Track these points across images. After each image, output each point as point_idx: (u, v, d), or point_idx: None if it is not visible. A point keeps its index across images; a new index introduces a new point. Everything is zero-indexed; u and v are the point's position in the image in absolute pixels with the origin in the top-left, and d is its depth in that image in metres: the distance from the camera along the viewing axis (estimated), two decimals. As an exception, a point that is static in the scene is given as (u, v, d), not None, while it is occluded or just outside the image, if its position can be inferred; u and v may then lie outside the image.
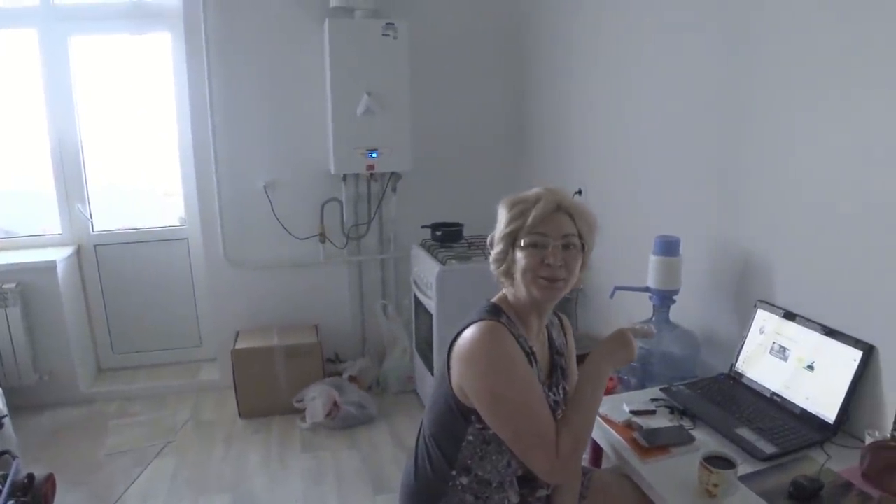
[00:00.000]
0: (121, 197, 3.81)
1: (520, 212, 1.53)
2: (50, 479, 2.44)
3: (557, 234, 1.50)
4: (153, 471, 2.98)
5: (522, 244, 1.51)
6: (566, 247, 1.50)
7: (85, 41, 3.52)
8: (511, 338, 1.48)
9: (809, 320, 1.90)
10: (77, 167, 3.62)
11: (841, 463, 1.63)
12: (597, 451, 1.99)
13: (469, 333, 1.48)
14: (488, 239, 1.64)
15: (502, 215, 1.57)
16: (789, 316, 1.97)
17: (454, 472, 1.53)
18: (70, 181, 3.63)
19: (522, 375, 1.45)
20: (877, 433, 1.64)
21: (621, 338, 1.62)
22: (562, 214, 1.52)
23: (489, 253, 1.62)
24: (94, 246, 3.76)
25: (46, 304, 3.43)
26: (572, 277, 1.53)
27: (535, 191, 1.56)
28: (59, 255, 3.50)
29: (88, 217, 3.69)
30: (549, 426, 1.44)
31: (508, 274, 1.56)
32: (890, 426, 1.62)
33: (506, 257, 1.55)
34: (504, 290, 1.62)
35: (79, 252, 3.72)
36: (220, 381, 3.81)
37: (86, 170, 3.65)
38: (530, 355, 1.53)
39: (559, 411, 1.63)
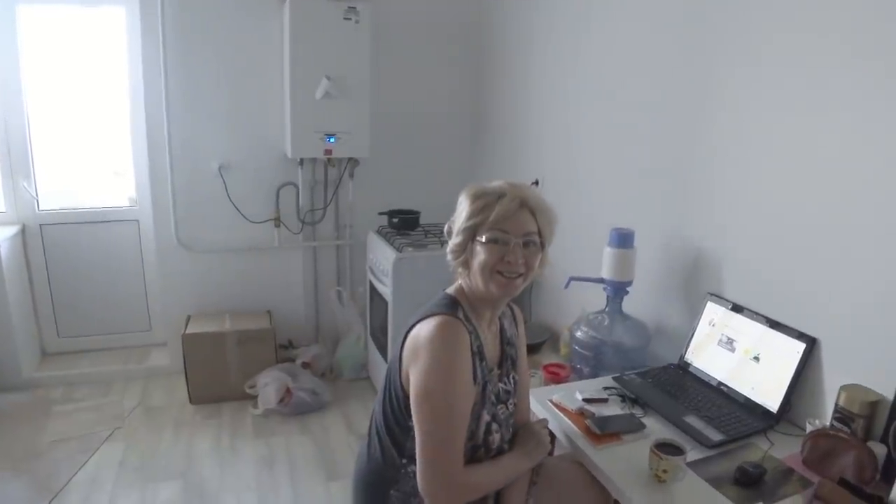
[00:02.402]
0: (68, 175, 3.67)
1: (483, 206, 1.52)
2: (-9, 466, 2.38)
3: (519, 232, 1.51)
4: (100, 458, 2.91)
5: (483, 239, 1.51)
6: (526, 244, 1.52)
7: (33, 12, 3.37)
8: (465, 337, 1.48)
9: (755, 313, 1.96)
10: (23, 143, 3.48)
11: (783, 450, 1.70)
12: (550, 439, 2.02)
13: (425, 328, 1.48)
14: (446, 227, 1.63)
15: (464, 206, 1.56)
16: (737, 308, 2.03)
17: (404, 461, 1.54)
18: (15, 157, 3.48)
19: (460, 387, 1.46)
20: (817, 422, 1.72)
21: (531, 434, 1.71)
22: (525, 212, 1.52)
23: (446, 241, 1.62)
24: (40, 225, 3.63)
25: (-12, 285, 3.31)
26: (531, 274, 1.55)
27: (498, 184, 1.56)
28: (2, 234, 3.37)
29: (34, 195, 3.56)
30: (457, 449, 1.46)
31: (466, 265, 1.56)
32: (829, 415, 1.68)
33: (464, 249, 1.55)
34: (460, 281, 1.62)
35: (23, 232, 3.59)
36: (170, 366, 3.74)
37: (32, 146, 3.51)
38: (478, 354, 1.54)
39: (511, 401, 1.67)
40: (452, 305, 1.55)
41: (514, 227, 1.51)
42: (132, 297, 3.90)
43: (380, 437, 1.60)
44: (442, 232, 1.67)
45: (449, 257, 1.61)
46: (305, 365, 3.64)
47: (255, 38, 3.47)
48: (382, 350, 3.38)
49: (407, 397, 1.50)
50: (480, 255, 1.51)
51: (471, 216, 1.53)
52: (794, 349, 1.81)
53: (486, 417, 1.55)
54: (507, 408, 1.65)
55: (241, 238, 3.73)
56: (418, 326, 1.51)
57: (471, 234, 1.54)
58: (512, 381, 1.69)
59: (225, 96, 3.51)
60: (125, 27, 3.45)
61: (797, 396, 1.82)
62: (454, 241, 1.58)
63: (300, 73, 3.33)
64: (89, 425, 3.18)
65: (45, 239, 3.65)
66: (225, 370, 3.46)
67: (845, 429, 1.62)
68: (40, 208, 3.61)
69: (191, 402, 3.44)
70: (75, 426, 3.17)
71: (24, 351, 3.53)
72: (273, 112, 3.56)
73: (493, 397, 1.58)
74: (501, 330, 1.70)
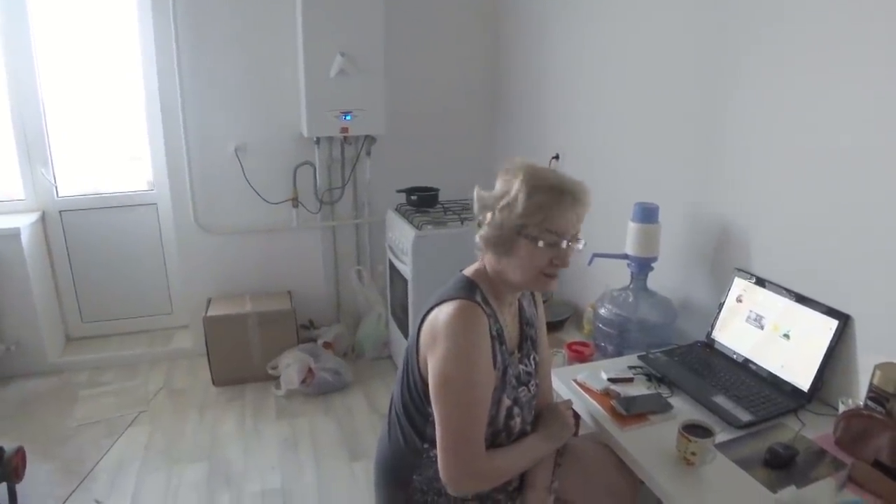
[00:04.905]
0: (85, 160, 3.67)
1: (541, 204, 1.43)
2: (20, 452, 2.39)
3: (569, 233, 1.46)
4: (126, 441, 2.95)
5: (541, 244, 1.44)
6: (570, 242, 1.47)
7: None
8: (484, 321, 1.45)
9: (784, 288, 1.90)
10: (39, 130, 3.47)
11: (815, 430, 1.66)
12: (574, 419, 2.00)
13: (442, 313, 1.44)
14: (478, 204, 1.53)
15: (517, 195, 1.44)
16: (761, 282, 1.98)
17: (426, 446, 1.53)
18: (32, 144, 3.48)
19: (480, 374, 1.43)
20: (850, 401, 1.66)
21: (556, 415, 1.68)
22: (576, 212, 1.46)
23: (470, 218, 1.56)
24: (60, 212, 3.64)
25: (11, 273, 3.33)
26: (566, 267, 1.51)
27: (556, 176, 1.47)
28: (22, 221, 3.38)
29: (52, 182, 3.57)
30: (479, 436, 1.44)
31: (503, 252, 1.49)
32: (863, 394, 1.63)
33: (509, 242, 1.47)
34: (482, 262, 1.57)
35: (43, 218, 3.60)
36: (193, 348, 3.76)
37: (49, 133, 3.51)
38: (498, 338, 1.50)
39: (532, 382, 1.64)
40: (470, 288, 1.51)
41: (567, 229, 1.45)
42: (153, 280, 3.92)
43: (400, 423, 1.58)
44: (461, 209, 1.61)
45: (480, 241, 1.53)
46: (327, 345, 3.63)
47: (267, 17, 3.41)
48: (403, 328, 3.37)
49: (425, 384, 1.47)
50: (529, 255, 1.45)
51: (529, 213, 1.43)
52: (827, 326, 1.75)
53: (506, 402, 1.52)
54: (529, 390, 1.62)
55: (259, 219, 3.71)
56: (435, 311, 1.47)
57: (521, 229, 1.45)
58: (532, 361, 1.65)
59: (239, 77, 3.47)
60: (136, 9, 3.41)
61: (829, 375, 1.77)
62: (495, 231, 1.48)
63: (314, 50, 3.27)
64: (114, 409, 3.21)
65: (65, 225, 3.66)
66: (247, 352, 3.47)
67: (880, 409, 1.56)
68: (59, 195, 3.62)
69: (214, 384, 3.46)
70: (101, 410, 3.20)
71: (48, 336, 3.56)
72: (288, 91, 3.51)
73: (513, 381, 1.55)
74: (520, 310, 1.66)
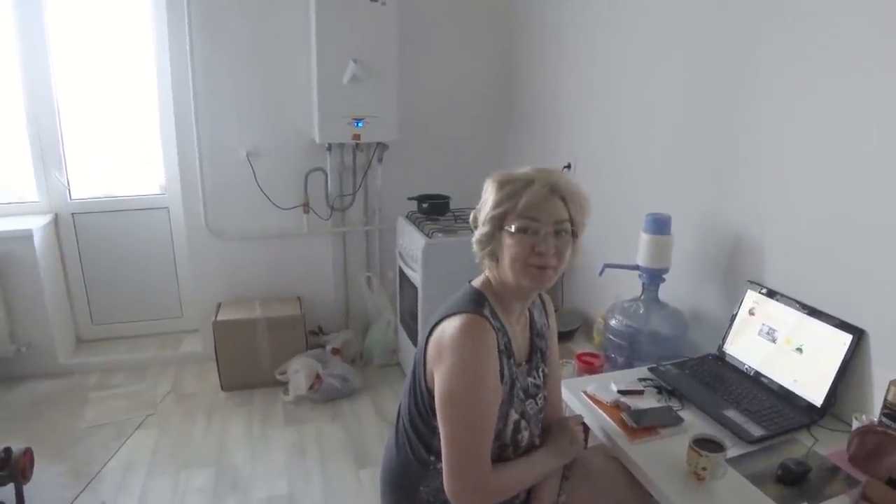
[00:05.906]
0: (99, 164, 3.70)
1: (510, 193, 1.46)
2: (27, 453, 2.40)
3: (549, 220, 1.44)
4: (133, 444, 2.95)
5: (513, 229, 1.44)
6: (557, 233, 1.45)
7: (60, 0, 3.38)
8: (491, 336, 1.44)
9: (797, 302, 1.88)
10: (53, 133, 3.50)
11: (828, 446, 1.64)
12: (584, 433, 1.98)
13: (449, 328, 1.43)
14: (471, 216, 1.58)
15: (490, 194, 1.50)
16: (772, 294, 1.96)
17: (432, 458, 1.51)
18: (46, 147, 3.51)
19: (486, 389, 1.42)
20: (864, 417, 1.64)
21: (565, 430, 1.66)
22: (555, 199, 1.45)
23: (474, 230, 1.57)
24: (72, 214, 3.66)
25: (23, 275, 3.35)
26: (562, 265, 1.48)
27: (526, 170, 1.49)
28: (35, 223, 3.40)
29: (66, 184, 3.59)
30: (485, 452, 1.42)
31: (493, 257, 1.51)
32: (877, 410, 1.61)
33: (492, 240, 1.49)
34: (486, 273, 1.57)
35: (56, 221, 3.62)
36: (202, 352, 3.76)
37: (63, 136, 3.53)
38: (506, 352, 1.49)
39: (540, 395, 1.62)
40: (478, 301, 1.50)
41: (545, 214, 1.44)
42: (164, 284, 3.93)
43: (407, 434, 1.57)
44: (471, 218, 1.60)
45: (475, 248, 1.55)
46: (335, 351, 3.63)
47: (281, 23, 3.42)
48: (412, 336, 3.36)
49: (432, 397, 1.46)
50: (510, 246, 1.45)
51: (497, 204, 1.47)
52: (841, 341, 1.73)
53: (514, 416, 1.51)
54: (537, 402, 1.61)
55: (270, 224, 3.72)
56: (442, 325, 1.46)
57: (498, 223, 1.47)
58: (541, 374, 1.64)
59: (252, 82, 3.48)
60: (151, 14, 3.43)
61: (843, 390, 1.74)
62: (480, 230, 1.52)
63: (327, 57, 3.28)
64: (123, 412, 3.22)
65: (77, 227, 3.69)
66: (256, 357, 3.47)
67: (895, 425, 1.54)
68: (72, 197, 3.64)
69: (222, 388, 3.46)
70: (110, 412, 3.21)
71: (59, 338, 3.57)
72: (300, 97, 3.52)
73: (521, 394, 1.54)
74: (531, 320, 1.65)
